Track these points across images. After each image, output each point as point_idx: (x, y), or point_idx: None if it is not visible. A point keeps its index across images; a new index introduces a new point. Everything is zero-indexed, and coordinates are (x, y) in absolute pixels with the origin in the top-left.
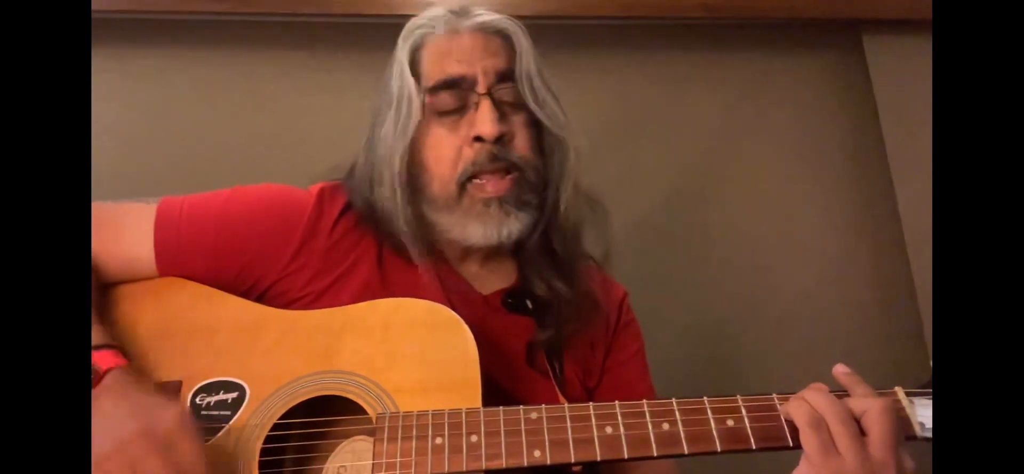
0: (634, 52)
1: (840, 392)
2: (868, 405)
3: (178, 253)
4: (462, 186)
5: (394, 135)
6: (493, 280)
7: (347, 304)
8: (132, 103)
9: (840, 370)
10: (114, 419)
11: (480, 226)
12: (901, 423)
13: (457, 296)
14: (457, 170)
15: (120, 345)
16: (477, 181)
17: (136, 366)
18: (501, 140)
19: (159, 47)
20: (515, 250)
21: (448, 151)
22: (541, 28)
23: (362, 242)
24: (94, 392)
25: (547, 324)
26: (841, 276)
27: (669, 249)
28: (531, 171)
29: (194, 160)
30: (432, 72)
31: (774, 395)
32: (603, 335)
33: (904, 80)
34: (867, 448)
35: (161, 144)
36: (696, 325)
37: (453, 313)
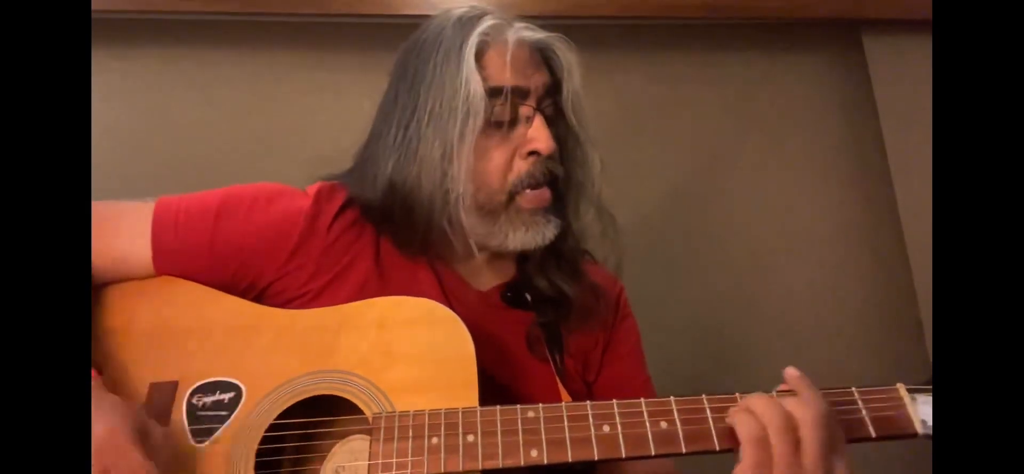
0: (634, 52)
1: (785, 392)
2: (803, 414)
3: (175, 252)
4: (511, 196)
5: (455, 137)
6: (491, 276)
7: (345, 303)
8: (132, 103)
9: (791, 373)
10: None
11: (524, 233)
12: (836, 431)
13: (455, 293)
14: (507, 180)
15: (95, 346)
16: (527, 192)
17: (133, 364)
18: (552, 156)
19: (159, 47)
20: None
21: (499, 162)
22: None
23: (359, 241)
24: None
25: (547, 315)
26: (841, 276)
27: (669, 248)
28: (562, 184)
29: (194, 160)
30: (491, 76)
31: (774, 392)
32: (602, 329)
33: (904, 80)
34: (800, 458)
35: (161, 144)
36: (696, 324)
37: (450, 311)
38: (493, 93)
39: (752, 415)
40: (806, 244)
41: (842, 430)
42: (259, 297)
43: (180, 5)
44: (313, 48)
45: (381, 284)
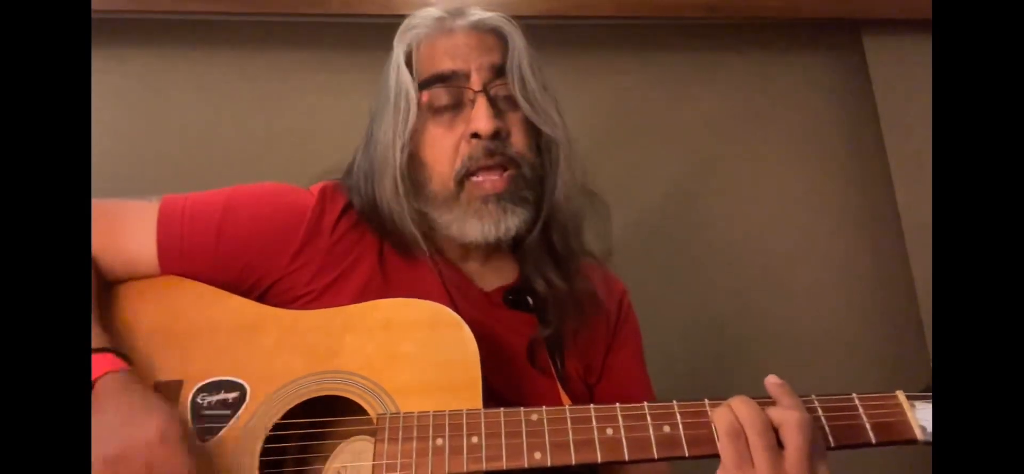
0: (634, 52)
1: (767, 401)
2: (785, 418)
3: (180, 252)
4: (460, 182)
5: (393, 132)
6: (494, 277)
7: (349, 302)
8: (132, 103)
9: (771, 381)
10: (94, 431)
11: (478, 223)
12: (817, 438)
13: (458, 292)
14: (454, 166)
15: (118, 346)
16: (475, 178)
17: (137, 364)
18: (498, 136)
19: (159, 47)
20: (515, 247)
21: (445, 148)
22: (541, 28)
23: (363, 240)
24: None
25: (548, 320)
26: (841, 276)
27: (669, 249)
28: (528, 167)
29: (194, 160)
30: (426, 68)
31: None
32: (604, 332)
33: (904, 80)
34: (782, 461)
35: (161, 144)
36: (696, 324)
37: (454, 313)
38: (431, 81)
39: (729, 410)
40: (806, 244)
41: (821, 438)
42: (264, 295)
43: (180, 5)
44: (313, 48)
45: (385, 283)
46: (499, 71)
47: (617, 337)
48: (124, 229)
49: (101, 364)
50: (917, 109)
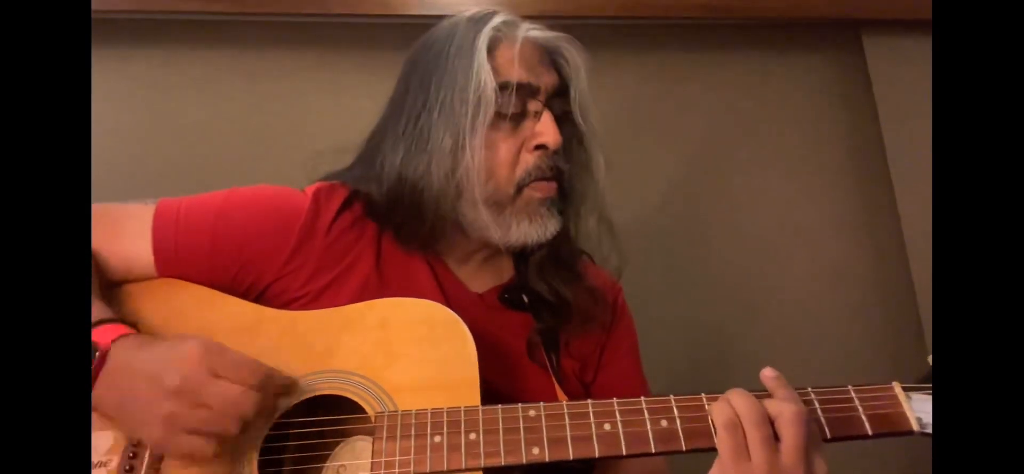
0: (634, 52)
1: (763, 394)
2: (781, 410)
3: (176, 254)
4: (519, 189)
5: (467, 127)
6: (488, 278)
7: (347, 301)
8: (132, 103)
9: (767, 374)
10: (138, 395)
11: (528, 224)
12: (814, 430)
13: (453, 295)
14: (516, 173)
15: (123, 318)
16: (531, 186)
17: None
18: (557, 151)
19: (159, 47)
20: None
21: (507, 154)
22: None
23: (360, 240)
24: (104, 371)
25: (545, 317)
26: (841, 276)
27: (669, 248)
28: (567, 182)
29: (194, 160)
30: (502, 71)
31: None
32: (599, 330)
33: (904, 80)
34: (778, 454)
35: (161, 144)
36: (695, 324)
37: (451, 312)
38: (503, 87)
39: (726, 403)
40: (806, 244)
41: (818, 430)
42: (260, 298)
43: (180, 5)
44: (313, 48)
45: (381, 285)
46: (558, 91)
47: (612, 335)
48: (120, 232)
49: (109, 333)
50: (917, 109)
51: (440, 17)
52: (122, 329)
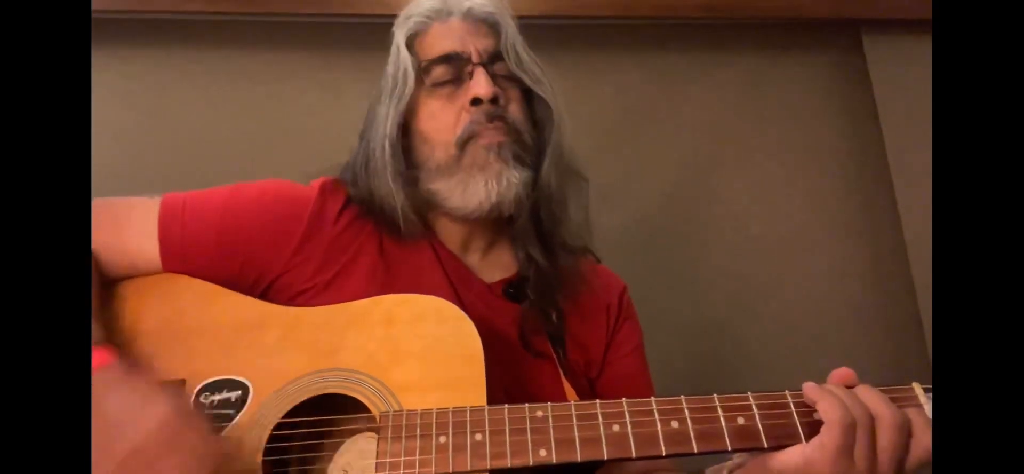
0: (634, 52)
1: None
2: (882, 412)
3: (182, 248)
4: (462, 147)
5: (388, 107)
6: (495, 270)
7: (352, 296)
8: (132, 103)
9: (847, 373)
10: (94, 437)
11: (482, 177)
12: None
13: (461, 284)
14: (457, 132)
15: (109, 339)
16: (474, 141)
17: (140, 363)
18: (496, 101)
19: (159, 47)
20: (512, 238)
21: (446, 118)
22: (541, 28)
23: (364, 234)
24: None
25: (537, 303)
26: (841, 276)
27: (669, 248)
28: (526, 135)
29: (194, 160)
30: (427, 52)
31: (787, 392)
32: (604, 327)
33: (904, 80)
34: (877, 459)
35: (161, 144)
36: (696, 324)
37: (458, 309)
38: (435, 63)
39: (840, 401)
40: (806, 244)
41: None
42: (266, 291)
43: (180, 5)
44: (313, 48)
45: (388, 275)
46: (495, 56)
47: (617, 333)
48: (126, 227)
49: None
50: (917, 109)
51: None
52: (103, 357)
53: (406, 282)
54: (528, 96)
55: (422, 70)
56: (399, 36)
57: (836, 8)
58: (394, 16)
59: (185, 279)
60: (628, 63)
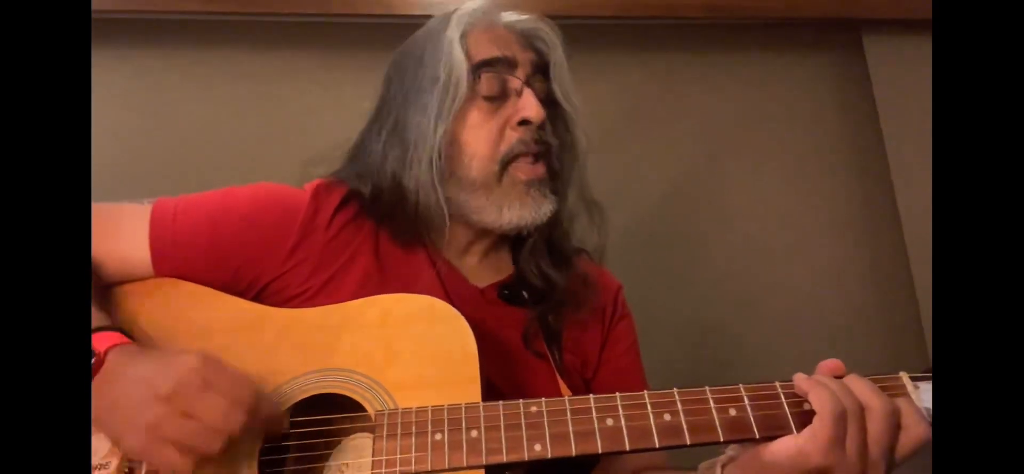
0: (634, 52)
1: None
2: (871, 401)
3: (174, 253)
4: (504, 167)
5: (437, 112)
6: (488, 274)
7: (347, 298)
8: (132, 103)
9: (833, 365)
10: (126, 400)
11: (519, 207)
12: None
13: (453, 289)
14: (500, 151)
15: (120, 327)
16: (516, 164)
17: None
18: (543, 125)
19: (159, 47)
20: (513, 242)
21: (490, 133)
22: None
23: (359, 235)
24: (98, 377)
25: (544, 312)
26: (841, 276)
27: (669, 248)
28: (556, 159)
29: (194, 160)
30: (477, 53)
31: (776, 383)
32: (599, 327)
33: (904, 80)
34: (868, 448)
35: (161, 144)
36: (696, 324)
37: (451, 308)
38: (479, 67)
39: (831, 391)
40: (806, 243)
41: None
42: (260, 295)
43: (180, 5)
44: (313, 48)
45: (381, 279)
46: (538, 69)
47: (612, 333)
48: (117, 232)
49: (106, 340)
50: (917, 109)
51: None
52: (119, 338)
53: (400, 287)
54: (554, 115)
55: (472, 74)
56: (454, 34)
57: (836, 8)
58: (394, 16)
59: (179, 282)
60: (628, 63)
